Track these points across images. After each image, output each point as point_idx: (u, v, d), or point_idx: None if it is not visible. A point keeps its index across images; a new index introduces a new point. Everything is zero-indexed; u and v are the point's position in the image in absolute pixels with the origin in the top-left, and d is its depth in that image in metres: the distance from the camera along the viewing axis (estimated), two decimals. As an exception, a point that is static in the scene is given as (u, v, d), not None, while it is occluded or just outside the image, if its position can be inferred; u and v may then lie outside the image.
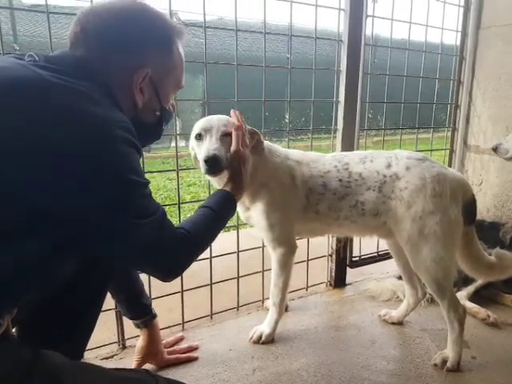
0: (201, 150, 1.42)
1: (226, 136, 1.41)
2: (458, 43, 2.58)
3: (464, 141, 2.67)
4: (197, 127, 1.46)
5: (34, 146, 0.79)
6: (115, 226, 0.89)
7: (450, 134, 2.67)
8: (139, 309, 1.50)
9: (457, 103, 2.63)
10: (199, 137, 1.44)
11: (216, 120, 1.45)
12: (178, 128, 1.74)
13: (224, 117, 1.49)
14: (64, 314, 0.95)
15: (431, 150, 2.55)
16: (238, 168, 1.36)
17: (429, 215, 1.50)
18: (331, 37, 2.04)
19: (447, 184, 1.52)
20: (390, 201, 1.56)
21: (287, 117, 2.06)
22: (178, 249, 1.02)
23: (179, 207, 1.80)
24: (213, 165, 1.35)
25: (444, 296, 1.55)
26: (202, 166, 1.37)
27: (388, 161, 1.60)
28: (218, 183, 1.52)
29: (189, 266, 1.06)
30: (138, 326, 1.53)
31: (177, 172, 1.75)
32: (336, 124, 2.11)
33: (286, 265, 1.67)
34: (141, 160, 1.00)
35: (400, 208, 1.54)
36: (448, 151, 2.69)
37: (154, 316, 1.55)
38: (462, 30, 2.55)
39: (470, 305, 1.97)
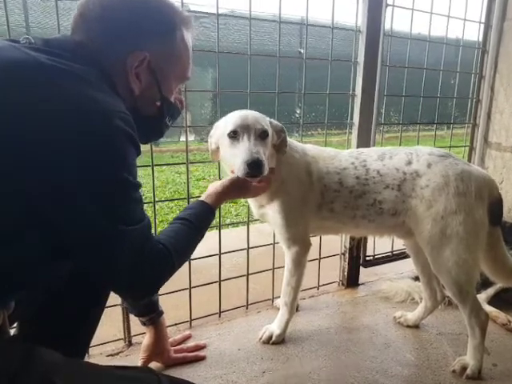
0: (238, 151, 1.34)
1: (261, 137, 1.37)
2: (481, 36, 2.46)
3: (485, 138, 2.55)
4: (231, 123, 1.38)
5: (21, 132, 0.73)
6: (98, 229, 0.81)
7: (465, 130, 2.55)
8: (145, 306, 1.46)
9: (478, 98, 2.52)
10: (234, 135, 1.36)
11: (252, 118, 1.38)
12: (187, 121, 1.66)
13: (257, 113, 1.43)
14: (66, 313, 0.90)
15: (450, 147, 2.44)
16: (239, 191, 1.34)
17: (451, 215, 1.42)
18: (346, 32, 1.94)
19: (472, 182, 1.44)
20: (410, 199, 1.49)
21: (298, 112, 1.98)
22: (157, 265, 0.92)
23: (188, 202, 1.75)
24: (256, 168, 1.29)
25: (466, 300, 1.47)
26: (242, 168, 1.29)
27: (408, 157, 1.52)
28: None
29: (162, 285, 0.97)
30: (144, 323, 1.49)
31: (187, 166, 1.69)
32: (352, 118, 2.03)
33: (300, 263, 1.61)
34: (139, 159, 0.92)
35: (420, 207, 1.46)
36: (467, 148, 2.58)
37: (161, 313, 1.50)
38: (485, 22, 2.43)
39: (489, 309, 1.88)
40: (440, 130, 2.51)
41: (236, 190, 1.32)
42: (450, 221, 1.42)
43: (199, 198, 1.24)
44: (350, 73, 2.00)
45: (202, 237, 1.13)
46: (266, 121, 1.42)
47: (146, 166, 1.64)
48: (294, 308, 1.69)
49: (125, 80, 0.96)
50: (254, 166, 1.28)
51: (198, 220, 1.12)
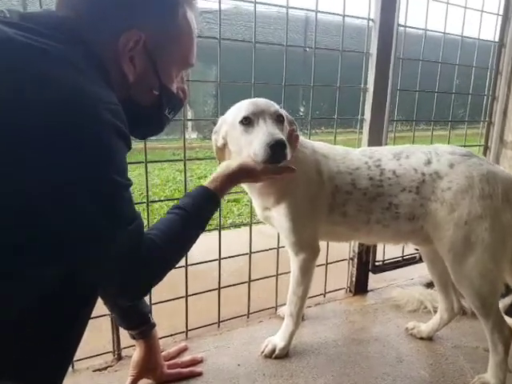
0: (255, 136, 1.20)
1: (278, 121, 1.24)
2: (498, 30, 2.32)
3: (500, 136, 2.42)
4: (243, 110, 1.25)
5: None
6: (85, 235, 0.71)
7: (473, 131, 2.41)
8: (135, 317, 1.32)
9: (494, 95, 2.38)
10: (246, 121, 1.23)
11: (265, 102, 1.27)
12: (187, 116, 1.52)
13: (268, 101, 1.31)
14: (31, 336, 0.76)
15: (464, 146, 2.30)
16: (248, 176, 1.18)
17: (476, 220, 1.29)
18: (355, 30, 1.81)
19: (498, 184, 1.30)
20: (430, 203, 1.35)
21: (302, 110, 1.85)
22: (151, 264, 0.84)
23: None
24: (279, 151, 1.14)
25: (488, 314, 1.34)
26: (263, 152, 1.14)
27: (427, 157, 1.39)
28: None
29: (156, 284, 0.89)
30: (133, 336, 1.35)
31: (184, 163, 1.55)
32: (363, 114, 1.89)
33: (307, 271, 1.48)
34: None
35: (441, 211, 1.33)
36: (481, 148, 2.45)
37: (153, 326, 1.36)
38: (503, 14, 2.29)
39: (507, 320, 1.75)
40: (444, 130, 2.35)
41: (244, 174, 1.16)
42: (474, 226, 1.29)
43: (203, 184, 1.08)
44: (358, 70, 1.86)
45: (203, 229, 1.01)
46: (277, 106, 1.29)
47: (139, 162, 1.50)
48: (299, 319, 1.56)
49: (117, 64, 0.83)
50: (277, 149, 1.13)
51: (198, 210, 0.98)
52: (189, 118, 6.94)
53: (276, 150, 1.13)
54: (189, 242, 0.98)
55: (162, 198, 3.90)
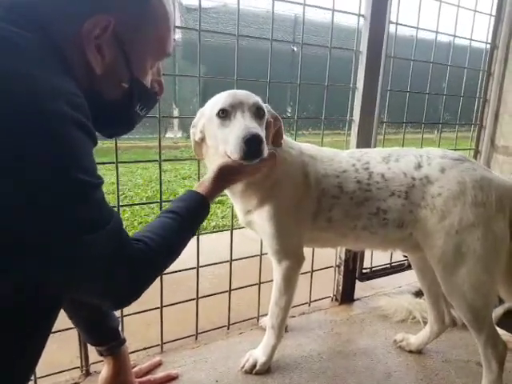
0: (230, 130, 1.10)
1: (257, 115, 1.14)
2: (490, 31, 2.27)
3: (491, 140, 2.36)
4: (220, 102, 1.14)
5: None
6: (53, 247, 0.63)
7: (459, 133, 2.34)
8: (103, 333, 1.21)
9: (485, 97, 2.32)
10: (223, 114, 1.13)
11: (244, 94, 1.17)
12: (173, 114, 1.42)
13: (249, 93, 1.21)
14: None
15: (454, 150, 2.24)
16: (233, 174, 1.10)
17: (468, 229, 1.21)
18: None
19: (492, 191, 1.23)
20: (419, 209, 1.27)
21: (289, 111, 1.76)
22: (137, 269, 0.78)
23: (161, 206, 1.50)
24: (254, 146, 1.03)
25: (481, 328, 1.26)
26: (238, 148, 1.05)
27: (417, 160, 1.31)
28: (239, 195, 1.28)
29: (146, 288, 0.83)
30: (101, 353, 1.24)
31: (159, 163, 1.44)
32: (352, 115, 1.81)
33: (291, 280, 1.38)
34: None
35: (431, 219, 1.25)
36: (472, 152, 2.39)
37: (122, 341, 1.25)
38: (496, 15, 2.23)
39: (500, 332, 1.67)
40: (429, 133, 2.27)
41: (228, 173, 1.08)
42: (466, 236, 1.21)
43: (192, 188, 1.04)
44: (347, 72, 1.78)
45: (194, 234, 1.00)
46: (261, 101, 1.20)
47: (111, 163, 1.38)
48: (282, 331, 1.46)
49: (82, 54, 0.73)
50: (252, 144, 1.03)
51: (189, 214, 0.95)
52: (175, 116, 6.83)
53: (251, 145, 1.03)
54: (181, 246, 0.93)
55: (137, 202, 3.78)
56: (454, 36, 2.10)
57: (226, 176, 1.08)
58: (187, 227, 0.95)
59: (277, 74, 1.59)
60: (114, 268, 0.73)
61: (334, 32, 1.71)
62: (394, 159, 1.33)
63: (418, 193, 1.27)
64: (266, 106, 1.22)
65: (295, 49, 7.16)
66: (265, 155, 1.07)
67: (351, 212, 1.31)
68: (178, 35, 6.64)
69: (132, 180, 4.55)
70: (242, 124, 1.07)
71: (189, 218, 0.94)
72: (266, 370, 1.44)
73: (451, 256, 1.23)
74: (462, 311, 1.26)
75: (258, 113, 1.14)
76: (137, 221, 3.36)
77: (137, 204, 3.38)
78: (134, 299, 0.80)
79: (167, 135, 6.42)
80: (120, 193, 4.50)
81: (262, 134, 1.08)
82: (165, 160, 1.46)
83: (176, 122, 6.31)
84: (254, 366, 1.44)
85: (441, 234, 1.23)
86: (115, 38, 0.74)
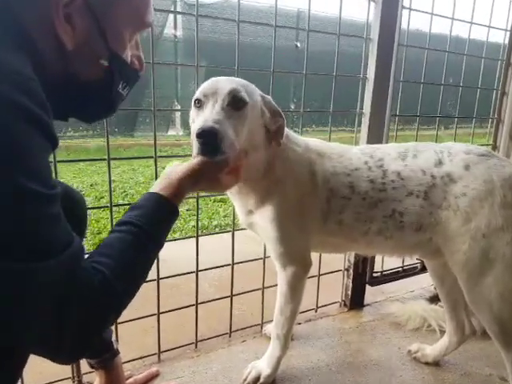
0: (196, 123, 1.00)
1: (234, 106, 1.00)
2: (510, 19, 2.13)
3: (510, 135, 2.22)
4: (198, 90, 1.06)
5: None
6: None
7: (467, 129, 2.21)
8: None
9: (504, 89, 2.18)
10: (198, 103, 1.03)
11: (225, 82, 1.03)
12: (176, 112, 1.31)
13: (237, 79, 1.09)
14: None
15: (471, 145, 2.11)
16: (203, 181, 0.91)
17: (496, 233, 1.08)
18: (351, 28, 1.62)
19: (523, 191, 1.10)
20: (441, 211, 1.15)
21: (293, 107, 1.65)
22: (101, 303, 0.63)
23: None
24: (208, 141, 0.91)
25: (509, 342, 1.14)
26: (195, 145, 0.94)
27: (438, 156, 1.18)
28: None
29: (104, 330, 0.71)
30: (92, 366, 1.14)
31: (155, 160, 1.33)
32: (362, 107, 1.68)
33: (297, 287, 1.27)
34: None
35: (455, 221, 1.13)
36: (490, 147, 2.25)
37: (115, 353, 1.15)
38: (515, 0, 2.10)
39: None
40: (434, 130, 2.12)
41: (198, 178, 0.89)
42: (493, 240, 1.09)
43: (151, 189, 0.83)
44: (354, 66, 1.66)
45: (161, 246, 0.78)
46: (250, 89, 1.07)
47: (102, 159, 1.27)
48: (287, 342, 1.35)
49: (48, 27, 0.62)
50: (204, 139, 0.90)
51: (151, 223, 0.74)
52: (177, 115, 6.69)
53: (204, 140, 0.90)
54: (146, 266, 0.76)
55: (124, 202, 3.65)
56: (471, 23, 1.97)
57: (195, 180, 0.88)
58: (150, 241, 0.74)
59: (280, 68, 1.48)
60: (63, 309, 0.57)
61: (342, 27, 1.58)
62: (411, 155, 1.21)
63: (439, 193, 1.15)
64: (262, 97, 1.11)
65: (299, 45, 7.00)
66: (225, 151, 0.92)
67: (364, 214, 1.19)
68: (179, 32, 6.56)
69: (133, 178, 4.46)
70: (203, 117, 0.96)
71: (151, 228, 0.74)
72: (271, 383, 1.33)
73: (477, 262, 1.11)
74: (488, 323, 1.14)
75: (234, 102, 1.00)
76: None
77: (128, 204, 3.30)
78: (87, 349, 0.67)
79: (169, 133, 6.33)
80: (121, 190, 4.37)
81: (227, 126, 0.94)
82: (160, 156, 1.34)
83: (178, 119, 6.20)
84: (258, 378, 1.33)
85: (465, 239, 1.11)
86: (87, 5, 0.64)
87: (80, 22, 0.64)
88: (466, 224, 1.11)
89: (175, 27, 6.07)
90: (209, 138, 0.91)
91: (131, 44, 0.75)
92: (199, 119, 0.99)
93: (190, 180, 0.85)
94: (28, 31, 0.60)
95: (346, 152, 1.25)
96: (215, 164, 0.92)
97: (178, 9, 5.55)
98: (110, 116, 0.83)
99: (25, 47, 0.58)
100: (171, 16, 5.77)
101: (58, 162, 1.15)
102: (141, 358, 1.44)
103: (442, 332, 1.61)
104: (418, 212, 1.16)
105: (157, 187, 0.81)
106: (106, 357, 1.13)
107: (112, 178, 1.29)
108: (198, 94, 1.04)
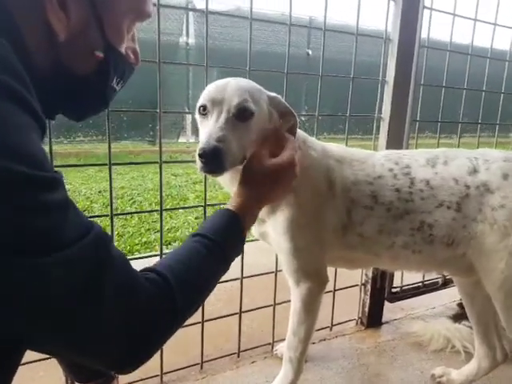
0: (202, 133, 0.93)
1: (240, 118, 0.91)
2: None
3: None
4: (203, 95, 0.96)
5: None
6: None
7: (487, 138, 2.09)
8: (88, 369, 1.01)
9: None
10: (204, 110, 0.94)
11: (232, 88, 0.93)
12: (187, 120, 1.24)
13: (246, 83, 0.99)
14: None
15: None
16: (267, 183, 0.87)
17: (539, 250, 0.97)
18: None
19: None
20: (475, 224, 1.04)
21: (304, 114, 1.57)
22: (146, 316, 0.56)
23: (161, 215, 1.29)
24: (210, 161, 0.86)
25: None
26: (197, 161, 0.87)
27: (472, 164, 1.07)
28: (230, 184, 1.03)
29: (163, 344, 0.61)
30: (87, 391, 1.04)
31: (160, 165, 1.24)
32: (380, 112, 1.58)
33: (311, 306, 1.15)
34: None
35: (491, 236, 1.01)
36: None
37: (111, 378, 1.05)
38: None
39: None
40: (448, 139, 1.99)
41: (260, 182, 0.86)
42: (535, 258, 0.97)
43: (225, 205, 0.82)
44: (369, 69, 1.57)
45: (229, 265, 0.76)
46: (257, 95, 0.97)
47: (103, 164, 1.18)
48: (301, 366, 1.23)
49: (39, 15, 0.55)
50: (206, 159, 0.85)
51: (223, 238, 0.73)
52: (188, 122, 6.73)
53: (205, 160, 0.85)
54: (212, 281, 0.72)
55: (145, 207, 3.60)
56: (495, 25, 1.87)
57: (259, 187, 0.86)
58: (220, 256, 0.72)
59: (292, 78, 1.41)
60: (101, 312, 0.51)
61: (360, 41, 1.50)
62: (441, 162, 1.10)
63: (474, 204, 1.03)
64: (271, 99, 1.01)
65: (310, 52, 6.95)
66: (227, 169, 0.88)
67: (388, 226, 1.09)
68: (191, 39, 6.59)
69: (142, 184, 4.40)
70: (208, 131, 0.89)
71: (223, 243, 0.72)
72: (283, 411, 1.22)
73: (516, 282, 0.99)
74: (528, 350, 1.02)
75: (241, 114, 0.91)
76: (144, 227, 3.19)
77: (130, 213, 3.26)
78: (143, 360, 0.58)
79: (180, 140, 6.34)
80: (129, 197, 4.32)
81: (231, 141, 0.88)
82: (166, 162, 1.25)
83: (189, 126, 6.21)
84: (269, 406, 1.21)
85: (503, 255, 1.00)
86: None
87: (75, 9, 0.57)
88: (504, 239, 1.00)
89: (187, 35, 6.12)
90: (211, 158, 0.85)
91: (128, 36, 0.67)
92: (203, 131, 0.92)
93: (250, 192, 0.85)
94: (10, 16, 0.52)
95: (368, 158, 1.14)
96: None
97: (190, 18, 5.63)
98: (99, 112, 0.75)
99: (4, 34, 0.50)
100: (184, 25, 5.85)
101: (59, 166, 1.07)
102: (141, 380, 1.34)
103: (467, 354, 1.49)
104: (449, 225, 1.05)
105: (230, 202, 0.83)
106: (100, 382, 1.03)
107: (121, 185, 1.20)
108: (203, 100, 0.94)
